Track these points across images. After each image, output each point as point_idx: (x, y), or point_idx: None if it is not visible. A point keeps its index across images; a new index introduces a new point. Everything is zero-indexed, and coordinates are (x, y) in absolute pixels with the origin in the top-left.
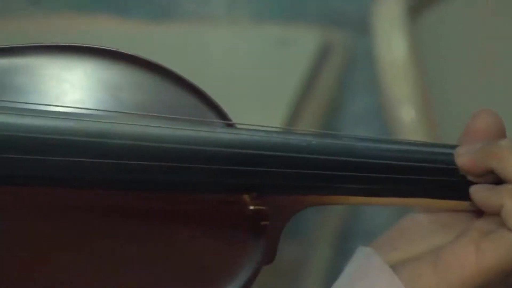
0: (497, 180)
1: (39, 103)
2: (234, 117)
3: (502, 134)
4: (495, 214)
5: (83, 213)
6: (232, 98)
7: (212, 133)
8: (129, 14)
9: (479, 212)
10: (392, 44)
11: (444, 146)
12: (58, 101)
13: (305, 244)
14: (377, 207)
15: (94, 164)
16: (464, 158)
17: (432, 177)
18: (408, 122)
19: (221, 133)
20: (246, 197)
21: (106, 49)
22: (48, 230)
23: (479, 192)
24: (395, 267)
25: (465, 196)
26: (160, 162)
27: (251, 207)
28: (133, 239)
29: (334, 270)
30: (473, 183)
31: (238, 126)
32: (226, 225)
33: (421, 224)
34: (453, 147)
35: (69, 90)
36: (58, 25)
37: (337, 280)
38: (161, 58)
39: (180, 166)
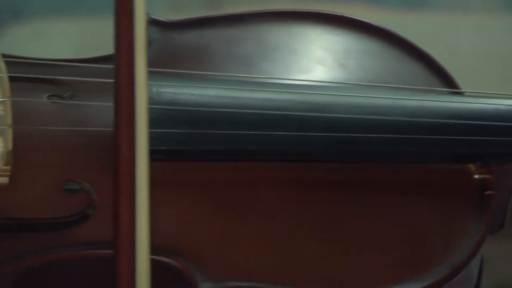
0: None
1: (267, 76)
2: None
3: None
4: None
5: (323, 189)
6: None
7: (437, 102)
8: (384, 2)
9: None
10: None
11: None
12: (285, 71)
13: None
14: None
15: (318, 137)
16: None
17: None
18: None
19: (447, 102)
20: (471, 167)
21: (331, 14)
22: (291, 207)
23: None
24: None
25: None
26: (382, 134)
27: (476, 176)
28: (370, 213)
29: None
30: None
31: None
32: (451, 194)
33: None
34: None
35: (295, 59)
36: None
37: None
38: None
39: (403, 137)
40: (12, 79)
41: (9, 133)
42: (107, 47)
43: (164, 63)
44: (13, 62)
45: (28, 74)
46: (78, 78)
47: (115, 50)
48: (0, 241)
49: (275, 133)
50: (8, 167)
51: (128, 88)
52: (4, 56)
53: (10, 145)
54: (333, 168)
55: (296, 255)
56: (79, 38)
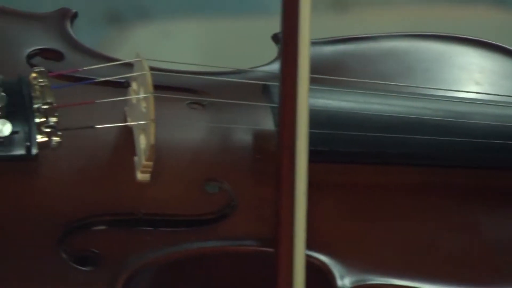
0: None
1: (405, 84)
2: None
3: None
4: None
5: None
6: None
7: None
8: (508, 4)
9: None
10: None
11: None
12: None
13: None
14: None
15: (455, 142)
16: None
17: None
18: None
19: None
20: None
21: (463, 38)
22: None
23: None
24: None
25: None
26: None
27: None
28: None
29: None
30: None
31: None
32: None
33: None
34: None
35: (430, 77)
36: (438, 14)
37: None
38: None
39: None
40: (156, 87)
41: (152, 128)
42: (233, 47)
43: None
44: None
45: (170, 82)
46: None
47: (282, 57)
48: (142, 235)
49: (414, 136)
50: (150, 163)
51: (292, 95)
52: (152, 69)
53: (152, 140)
54: (457, 174)
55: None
56: (205, 38)
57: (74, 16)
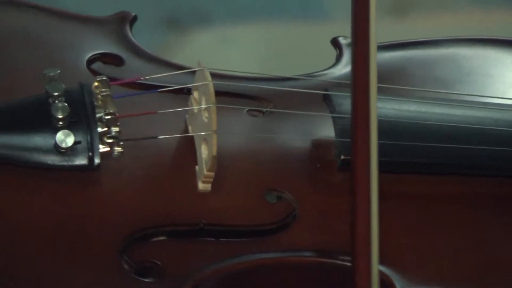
0: None
1: (465, 93)
2: None
3: None
4: None
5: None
6: None
7: None
8: None
9: None
10: None
11: None
12: (480, 93)
13: None
14: None
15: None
16: None
17: None
18: None
19: None
20: None
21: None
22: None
23: None
24: None
25: None
26: None
27: None
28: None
29: None
30: None
31: None
32: None
33: None
34: None
35: (489, 82)
36: (496, 18)
37: None
38: None
39: None
40: (216, 92)
41: (214, 139)
42: (292, 52)
43: None
44: (217, 76)
45: (230, 89)
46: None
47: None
48: (203, 246)
49: (474, 147)
50: (212, 173)
51: (364, 105)
52: (213, 75)
53: (214, 151)
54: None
55: (490, 267)
56: (264, 43)
57: (134, 19)
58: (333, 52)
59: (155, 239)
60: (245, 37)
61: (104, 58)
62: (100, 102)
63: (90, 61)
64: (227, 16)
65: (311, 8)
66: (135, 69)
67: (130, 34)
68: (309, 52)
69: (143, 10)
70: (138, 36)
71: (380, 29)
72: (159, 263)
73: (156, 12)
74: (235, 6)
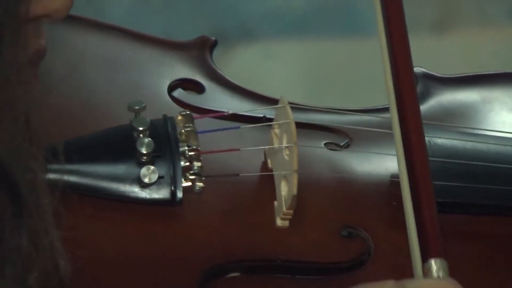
0: None
1: None
2: None
3: None
4: None
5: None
6: None
7: None
8: None
9: None
10: None
11: None
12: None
13: None
14: None
15: None
16: None
17: None
18: None
19: None
20: None
21: None
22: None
23: None
24: None
25: None
26: None
27: None
28: None
29: None
30: None
31: None
32: None
33: None
34: None
35: None
36: None
37: None
38: None
39: None
40: (297, 125)
41: (294, 178)
42: (335, 69)
43: (436, 118)
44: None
45: (310, 121)
46: (356, 127)
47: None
48: (280, 283)
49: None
50: (291, 211)
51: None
52: (290, 103)
53: (295, 190)
54: None
55: None
56: (306, 59)
57: (214, 44)
58: (375, 67)
59: (232, 274)
60: (288, 53)
61: (185, 84)
62: (184, 136)
63: (172, 88)
64: (271, 32)
65: (351, 24)
66: (216, 97)
67: (211, 60)
68: (350, 67)
69: (192, 26)
70: None
71: (422, 45)
72: None
73: (205, 29)
74: (279, 23)
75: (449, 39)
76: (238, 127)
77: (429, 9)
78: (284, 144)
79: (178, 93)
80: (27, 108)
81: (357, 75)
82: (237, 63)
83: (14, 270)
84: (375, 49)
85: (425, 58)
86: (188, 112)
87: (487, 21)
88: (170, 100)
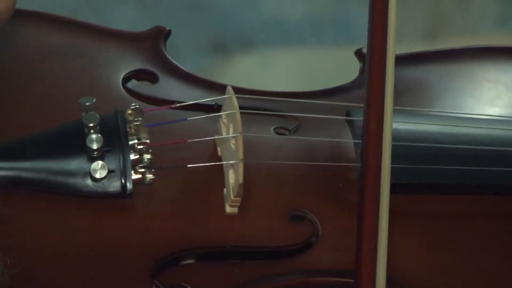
0: None
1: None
2: None
3: None
4: None
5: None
6: None
7: None
8: None
9: None
10: None
11: None
12: (493, 104)
13: None
14: None
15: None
16: None
17: None
18: None
19: None
20: None
21: None
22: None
23: None
24: None
25: None
26: None
27: None
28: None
29: None
30: None
31: None
32: None
33: None
34: None
35: (504, 92)
36: None
37: None
38: None
39: None
40: (242, 112)
41: (240, 167)
42: (331, 77)
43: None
44: (243, 96)
45: (257, 109)
46: (304, 115)
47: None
48: (230, 268)
49: (490, 168)
50: (238, 199)
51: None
52: (235, 89)
53: (241, 179)
54: None
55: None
56: (304, 67)
57: (168, 34)
58: None
59: (184, 262)
60: (285, 61)
61: (139, 75)
62: (133, 130)
63: (126, 79)
64: (269, 42)
65: (344, 33)
66: (169, 86)
67: (165, 50)
68: (344, 74)
69: (192, 36)
70: (184, 60)
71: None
72: (188, 286)
73: (204, 38)
74: (276, 33)
75: (440, 46)
76: (186, 119)
77: (421, 19)
78: (231, 134)
79: (132, 84)
80: None
81: (349, 81)
82: (236, 71)
83: None
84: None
85: None
86: (137, 107)
87: (475, 29)
88: (124, 91)
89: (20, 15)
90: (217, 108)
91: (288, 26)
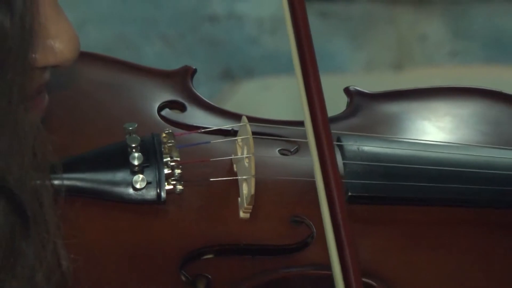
0: None
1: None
2: None
3: None
4: None
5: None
6: None
7: None
8: None
9: None
10: None
11: None
12: (452, 133)
13: None
14: None
15: (488, 190)
16: None
17: None
18: None
19: None
20: None
21: (490, 90)
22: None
23: None
24: None
25: None
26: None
27: None
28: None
29: None
30: None
31: None
32: None
33: None
34: None
35: (460, 123)
36: (473, 74)
37: None
38: None
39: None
40: (254, 137)
41: (252, 182)
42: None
43: (366, 127)
44: (255, 124)
45: (266, 134)
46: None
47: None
48: (243, 262)
49: (452, 185)
50: (250, 206)
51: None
52: (248, 118)
53: (252, 191)
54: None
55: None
56: (296, 91)
57: (194, 72)
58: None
59: (205, 257)
60: (281, 86)
61: (171, 105)
62: (166, 150)
63: (160, 108)
64: (268, 70)
65: (329, 63)
66: (195, 114)
67: (191, 85)
68: (328, 99)
69: (204, 65)
70: (200, 85)
71: (383, 81)
72: (208, 276)
73: (215, 68)
74: (274, 63)
75: (405, 76)
76: (209, 142)
77: (390, 53)
78: (245, 155)
79: (166, 112)
80: (32, 129)
81: (332, 106)
82: (241, 95)
83: (23, 271)
84: (344, 83)
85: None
86: (170, 131)
87: (433, 60)
88: (159, 118)
89: (79, 55)
90: (233, 133)
91: (283, 58)
